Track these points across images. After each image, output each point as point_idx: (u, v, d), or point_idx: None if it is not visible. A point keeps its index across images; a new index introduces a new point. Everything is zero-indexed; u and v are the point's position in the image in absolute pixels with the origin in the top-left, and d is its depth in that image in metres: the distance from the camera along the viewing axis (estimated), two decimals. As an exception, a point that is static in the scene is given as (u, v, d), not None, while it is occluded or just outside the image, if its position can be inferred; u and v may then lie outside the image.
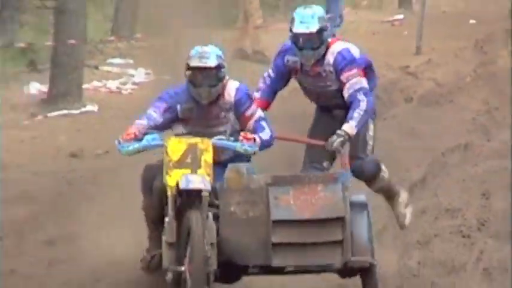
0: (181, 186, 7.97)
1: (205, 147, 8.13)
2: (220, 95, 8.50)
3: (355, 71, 8.63)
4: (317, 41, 8.70)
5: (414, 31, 21.83)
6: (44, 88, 18.67)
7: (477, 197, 13.01)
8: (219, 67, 8.40)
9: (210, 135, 8.52)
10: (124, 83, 19.38)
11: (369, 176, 8.76)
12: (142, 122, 8.48)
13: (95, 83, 19.04)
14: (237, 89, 8.58)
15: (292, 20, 8.81)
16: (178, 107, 8.53)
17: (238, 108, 8.53)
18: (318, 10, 8.92)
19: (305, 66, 8.76)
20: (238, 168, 8.26)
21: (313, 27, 8.67)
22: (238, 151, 8.46)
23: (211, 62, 8.39)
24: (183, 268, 7.85)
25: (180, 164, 8.00)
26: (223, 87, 8.51)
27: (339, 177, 8.24)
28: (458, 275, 10.25)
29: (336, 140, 8.43)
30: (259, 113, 8.64)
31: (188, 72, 8.41)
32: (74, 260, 10.00)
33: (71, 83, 18.50)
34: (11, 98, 17.59)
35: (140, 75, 19.64)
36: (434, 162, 13.82)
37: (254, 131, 8.54)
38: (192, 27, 20.52)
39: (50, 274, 9.96)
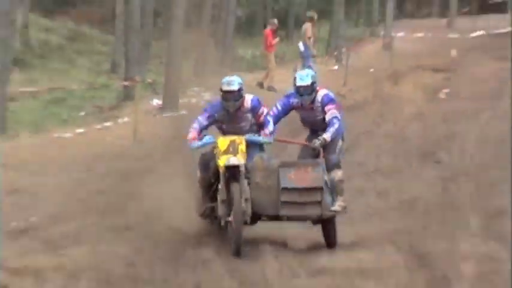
0: (226, 163, 7.74)
1: (240, 141, 7.91)
2: (241, 104, 8.23)
3: (333, 105, 8.52)
4: (310, 90, 8.48)
5: (343, 74, 21.66)
6: (160, 102, 18.65)
7: (374, 157, 13.05)
8: (239, 89, 8.12)
9: (238, 128, 8.26)
10: (200, 100, 19.22)
11: (330, 165, 8.49)
12: (196, 127, 8.21)
13: (185, 100, 18.92)
14: (251, 100, 8.29)
15: (295, 78, 8.58)
16: (216, 114, 8.25)
17: (253, 110, 8.27)
18: (310, 71, 8.86)
19: (304, 105, 8.55)
20: (261, 156, 8.20)
21: (308, 82, 8.46)
22: (261, 142, 8.24)
23: (235, 87, 8.09)
24: (229, 218, 7.70)
25: (226, 152, 7.81)
26: (243, 100, 8.22)
27: (320, 164, 8.19)
28: (362, 196, 10.33)
29: (317, 142, 8.32)
30: (266, 111, 8.38)
31: (221, 93, 8.16)
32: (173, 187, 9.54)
33: (173, 100, 18.44)
34: (144, 107, 17.50)
35: (207, 96, 19.47)
36: (353, 139, 13.60)
37: (263, 123, 8.29)
38: (235, 71, 20.45)
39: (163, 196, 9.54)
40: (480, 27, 29.93)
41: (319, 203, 7.95)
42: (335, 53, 24.68)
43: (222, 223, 7.94)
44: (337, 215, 8.36)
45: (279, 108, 8.75)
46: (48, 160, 12.83)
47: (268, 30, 21.89)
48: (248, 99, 8.29)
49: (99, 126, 16.64)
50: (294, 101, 8.65)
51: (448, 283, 7.49)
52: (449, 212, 10.37)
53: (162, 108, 18.30)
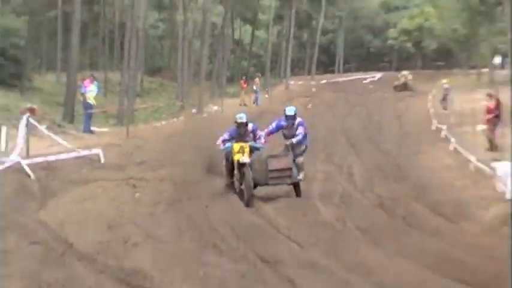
0: (240, 161, 6.23)
1: (246, 146, 6.43)
2: (247, 129, 6.67)
3: (302, 127, 6.89)
4: (293, 117, 6.92)
5: (270, 99, 21.00)
6: (195, 111, 18.03)
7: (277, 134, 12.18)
8: (247, 122, 6.60)
9: (245, 141, 6.50)
10: (212, 110, 18.62)
11: (296, 155, 6.80)
12: (221, 139, 6.56)
13: (205, 109, 18.29)
14: (252, 126, 6.76)
15: (285, 110, 6.99)
16: (233, 134, 6.65)
17: (253, 132, 6.69)
18: (293, 107, 7.09)
19: (289, 125, 6.95)
20: (257, 155, 6.57)
21: (293, 113, 6.91)
22: (258, 147, 6.62)
23: (244, 120, 6.56)
24: (242, 187, 6.24)
25: (238, 152, 6.38)
26: (247, 126, 6.67)
27: (290, 155, 6.62)
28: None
29: (288, 142, 6.84)
30: (260, 132, 6.78)
31: (236, 123, 6.66)
32: (202, 148, 8.71)
33: (201, 109, 17.82)
34: (189, 113, 16.94)
35: (215, 107, 18.78)
36: (267, 125, 12.42)
37: (259, 138, 6.71)
38: (225, 98, 19.99)
39: (199, 151, 8.84)
40: (325, 79, 30.66)
41: (290, 176, 6.39)
42: (266, 89, 24.25)
43: (237, 190, 6.37)
44: (300, 181, 6.80)
45: (273, 126, 7.03)
46: (150, 135, 12.44)
47: (242, 81, 21.54)
48: (250, 126, 6.66)
49: (171, 121, 16.11)
50: (284, 123, 6.94)
51: (311, 181, 7.46)
52: (313, 153, 10.24)
53: (196, 113, 17.64)
